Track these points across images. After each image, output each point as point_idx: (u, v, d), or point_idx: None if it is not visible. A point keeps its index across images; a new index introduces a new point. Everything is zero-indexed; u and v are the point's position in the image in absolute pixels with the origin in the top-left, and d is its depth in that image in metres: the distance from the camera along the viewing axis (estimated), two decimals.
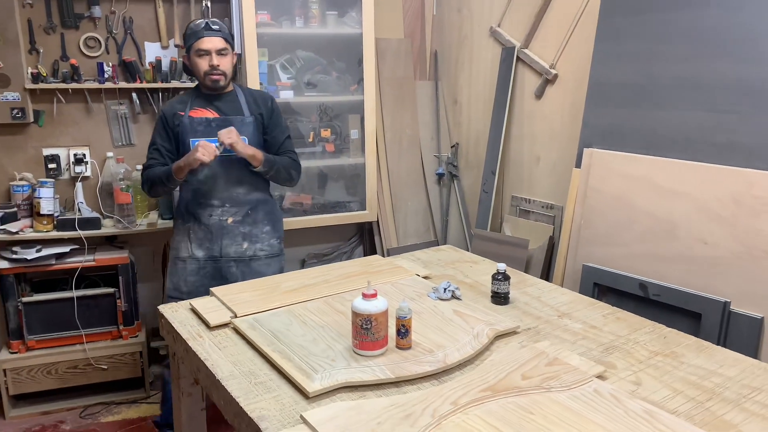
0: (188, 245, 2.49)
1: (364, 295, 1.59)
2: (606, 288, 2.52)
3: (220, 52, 2.42)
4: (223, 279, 2.46)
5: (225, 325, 1.85)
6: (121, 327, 3.02)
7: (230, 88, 2.54)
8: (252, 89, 2.69)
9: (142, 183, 2.52)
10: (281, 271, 2.61)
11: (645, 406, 1.37)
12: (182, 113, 2.45)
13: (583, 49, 2.77)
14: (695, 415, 1.39)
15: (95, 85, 3.04)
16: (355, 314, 1.58)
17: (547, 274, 2.93)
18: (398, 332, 1.63)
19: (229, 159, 2.44)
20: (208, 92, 2.50)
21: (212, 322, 1.84)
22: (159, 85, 3.13)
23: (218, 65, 2.41)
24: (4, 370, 2.87)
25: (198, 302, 1.98)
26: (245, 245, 2.52)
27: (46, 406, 3.00)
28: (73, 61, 3.01)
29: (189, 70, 2.53)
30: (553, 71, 2.96)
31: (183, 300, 2.06)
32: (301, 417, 1.34)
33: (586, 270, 2.57)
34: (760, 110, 2.11)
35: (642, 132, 2.47)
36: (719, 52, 2.23)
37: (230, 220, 2.49)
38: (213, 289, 2.05)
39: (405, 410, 1.35)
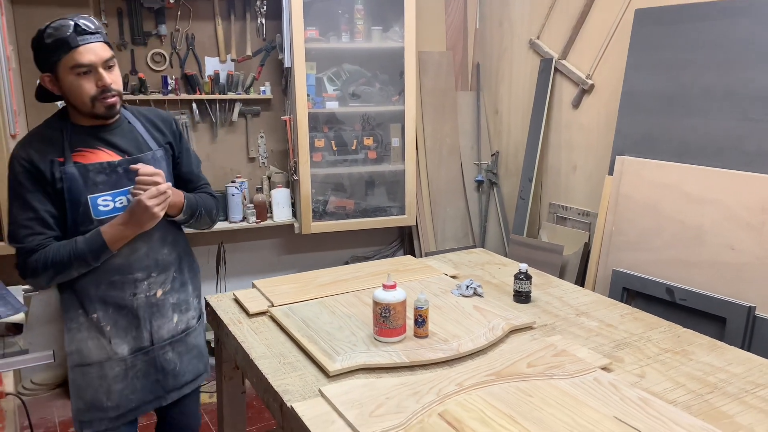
0: (102, 343, 1.75)
1: (384, 286, 1.73)
2: (635, 292, 2.56)
3: (107, 64, 1.66)
4: (158, 371, 1.85)
5: (263, 313, 2.03)
6: None
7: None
8: (141, 108, 1.91)
9: (29, 271, 1.66)
10: (205, 332, 2.08)
11: (641, 394, 1.44)
12: (61, 159, 1.65)
13: (619, 60, 2.83)
14: (692, 406, 1.45)
15: (160, 96, 3.33)
16: (376, 303, 1.73)
17: (582, 280, 2.98)
18: (416, 322, 1.76)
19: None
20: (93, 124, 1.72)
21: (251, 310, 2.02)
22: (216, 96, 3.39)
23: (111, 83, 1.66)
24: None
25: (240, 293, 2.17)
26: (176, 318, 1.89)
27: None
28: (141, 74, 3.31)
29: (49, 97, 1.75)
30: (590, 81, 3.03)
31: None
32: (319, 391, 1.49)
33: (615, 275, 2.62)
34: None
35: (673, 140, 2.51)
36: (750, 62, 2.26)
37: (159, 292, 1.83)
38: (255, 282, 2.24)
39: (413, 389, 1.47)
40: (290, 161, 3.41)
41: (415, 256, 3.45)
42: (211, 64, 3.44)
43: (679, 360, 1.69)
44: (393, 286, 1.74)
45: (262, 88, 3.48)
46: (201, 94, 3.39)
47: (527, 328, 1.89)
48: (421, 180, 3.56)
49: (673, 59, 2.52)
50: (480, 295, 2.11)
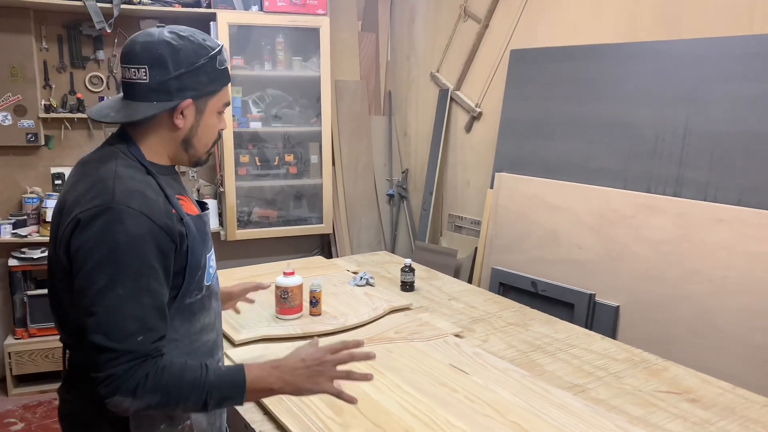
0: None
1: (285, 274, 2.13)
2: (509, 286, 3.04)
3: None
4: None
5: None
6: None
7: None
8: None
9: (126, 388, 1.06)
10: None
11: (476, 350, 1.88)
12: (174, 211, 1.20)
13: (500, 92, 3.34)
14: (516, 359, 1.90)
15: None
16: (277, 287, 2.12)
17: (471, 278, 3.45)
18: (311, 302, 2.16)
19: None
20: (170, 165, 1.31)
21: None
22: None
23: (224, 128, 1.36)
24: (9, 354, 3.38)
25: None
26: None
27: (44, 386, 3.49)
28: (79, 95, 3.60)
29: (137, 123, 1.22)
30: (478, 109, 3.54)
31: None
32: (225, 354, 1.86)
33: (493, 272, 3.10)
34: (615, 140, 2.67)
35: (538, 159, 3.03)
36: (594, 97, 2.80)
37: None
38: None
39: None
40: (217, 175, 3.77)
41: None
42: None
43: (518, 330, 2.15)
44: (291, 273, 2.13)
45: None
46: None
47: (405, 308, 2.32)
48: (338, 193, 3.98)
49: (539, 93, 3.05)
50: (371, 285, 2.53)
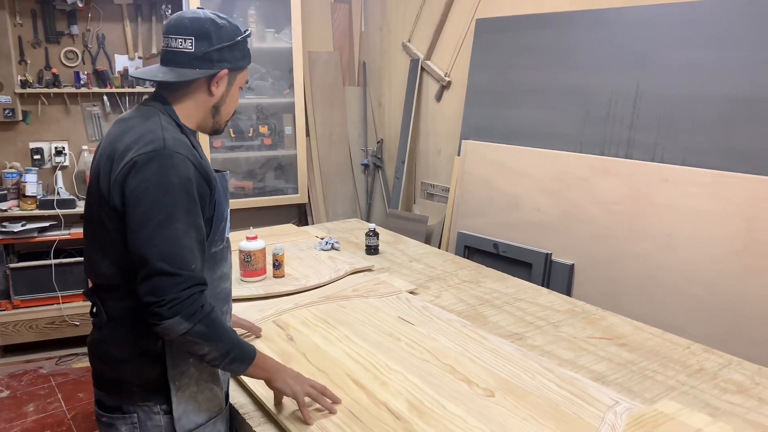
0: (216, 392, 1.40)
1: (247, 238, 2.22)
2: (473, 249, 3.16)
3: None
4: None
5: None
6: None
7: None
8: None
9: (188, 310, 1.19)
10: None
11: (426, 304, 2.00)
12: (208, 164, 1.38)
13: (467, 61, 3.41)
14: (463, 311, 2.01)
15: (73, 90, 3.68)
16: (240, 251, 2.22)
17: (440, 243, 3.56)
18: (274, 265, 2.26)
19: None
20: (194, 132, 1.42)
21: None
22: (126, 90, 3.78)
23: None
24: None
25: None
26: None
27: (29, 356, 3.61)
28: (54, 70, 3.65)
29: (177, 85, 1.36)
30: (448, 79, 3.61)
31: None
32: None
33: (459, 236, 3.21)
34: (572, 106, 2.76)
35: (502, 126, 3.11)
36: (553, 64, 2.87)
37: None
38: None
39: (260, 308, 1.98)
40: None
41: None
42: (121, 61, 3.82)
43: (471, 287, 2.26)
44: (254, 238, 2.23)
45: None
46: (111, 88, 3.76)
47: (367, 270, 2.42)
48: (314, 164, 4.06)
49: (503, 61, 3.12)
50: (336, 249, 2.64)
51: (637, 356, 1.69)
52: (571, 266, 2.71)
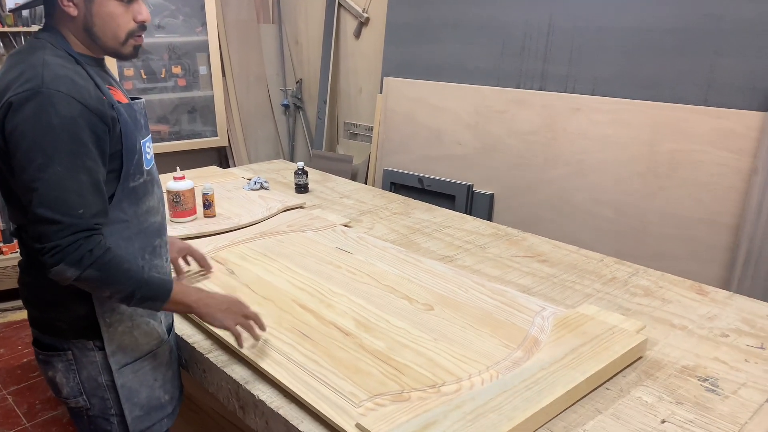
0: (153, 326, 1.39)
1: (175, 179, 2.18)
2: (399, 185, 3.24)
3: None
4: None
5: None
6: (1, 244, 3.45)
7: None
8: None
9: (72, 258, 1.15)
10: None
11: (361, 235, 2.06)
12: (104, 98, 1.23)
13: None
14: (396, 240, 2.10)
15: None
16: (168, 192, 2.17)
17: (366, 182, 3.62)
18: (204, 205, 2.24)
19: None
20: (98, 57, 1.31)
21: None
22: (20, 29, 3.47)
23: (149, 19, 1.34)
24: None
25: None
26: None
27: None
28: None
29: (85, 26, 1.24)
30: (366, 15, 3.58)
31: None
32: None
33: (385, 173, 3.28)
34: (489, 41, 2.84)
35: (422, 62, 3.16)
36: None
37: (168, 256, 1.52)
38: None
39: (196, 246, 1.97)
40: None
41: None
42: None
43: (401, 217, 2.35)
44: (182, 178, 2.19)
45: None
46: (4, 27, 3.45)
47: (299, 207, 2.45)
48: (232, 105, 3.96)
49: None
50: (266, 189, 2.63)
51: (557, 270, 1.85)
52: (491, 196, 2.85)
